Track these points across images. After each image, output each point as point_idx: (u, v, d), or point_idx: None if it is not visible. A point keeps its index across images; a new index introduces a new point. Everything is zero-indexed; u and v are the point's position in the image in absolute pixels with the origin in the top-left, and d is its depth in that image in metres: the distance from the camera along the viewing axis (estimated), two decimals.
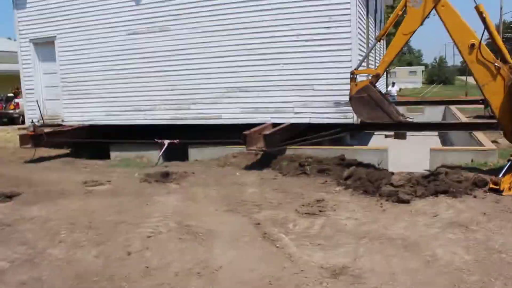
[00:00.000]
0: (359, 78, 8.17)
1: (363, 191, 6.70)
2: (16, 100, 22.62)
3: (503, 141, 9.68)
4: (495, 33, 7.18)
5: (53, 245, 4.92)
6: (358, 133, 11.95)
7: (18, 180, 8.68)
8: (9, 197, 7.39)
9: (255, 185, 7.56)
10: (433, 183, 6.44)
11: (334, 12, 9.40)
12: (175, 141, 10.17)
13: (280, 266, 4.12)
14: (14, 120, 22.59)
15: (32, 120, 12.13)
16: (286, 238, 4.82)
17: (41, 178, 8.95)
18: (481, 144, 9.59)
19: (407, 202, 5.99)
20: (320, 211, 5.81)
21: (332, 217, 5.56)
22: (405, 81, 49.68)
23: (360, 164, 8.38)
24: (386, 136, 14.85)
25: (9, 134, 16.52)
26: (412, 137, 14.66)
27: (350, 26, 9.35)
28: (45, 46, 12.92)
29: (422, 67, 69.62)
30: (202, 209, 6.16)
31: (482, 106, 18.90)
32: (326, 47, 9.58)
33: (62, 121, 12.78)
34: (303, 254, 4.33)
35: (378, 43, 9.94)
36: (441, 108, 20.14)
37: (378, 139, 14.41)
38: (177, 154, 10.91)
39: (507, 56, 7.02)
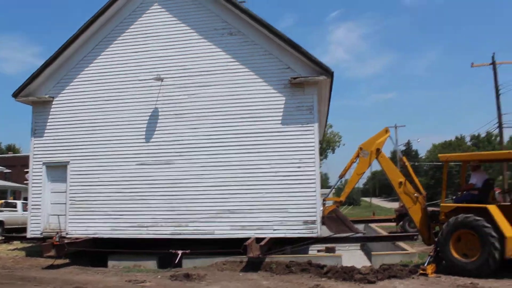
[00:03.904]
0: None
1: (342, 279, 10.11)
2: None
3: (417, 248, 13.91)
4: (413, 175, 11.62)
5: None
6: (299, 247, 14.75)
7: (65, 282, 10.81)
8: None
9: (264, 280, 10.59)
10: (387, 271, 10.11)
11: (303, 156, 13.46)
12: (186, 251, 12.82)
13: None
14: None
15: (57, 233, 14.05)
16: None
17: (82, 279, 11.17)
18: (405, 250, 13.65)
19: (374, 282, 9.51)
20: None
21: None
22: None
23: (325, 266, 11.80)
24: (319, 251, 17.91)
25: None
26: (339, 250, 17.96)
27: (314, 166, 13.42)
28: (56, 169, 15.44)
29: (332, 190, 76.96)
30: None
31: (394, 224, 23.84)
32: (297, 181, 13.41)
33: (66, 234, 14.82)
34: None
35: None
36: (362, 225, 24.74)
37: (313, 252, 17.51)
38: (170, 262, 13.44)
39: (421, 189, 11.42)
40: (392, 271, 10.18)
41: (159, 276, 11.55)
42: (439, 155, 11.39)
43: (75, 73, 15.64)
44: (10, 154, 64.58)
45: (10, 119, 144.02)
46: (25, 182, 45.97)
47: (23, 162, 52.59)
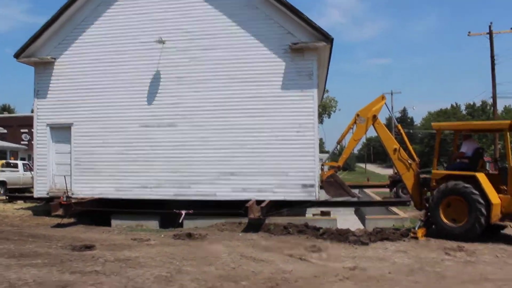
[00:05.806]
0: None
1: (337, 240, 10.68)
2: None
3: (409, 213, 14.53)
4: (407, 142, 12.04)
5: (181, 267, 8.04)
6: (294, 210, 15.35)
7: (73, 239, 11.29)
8: (89, 247, 10.15)
9: (263, 240, 11.15)
10: (379, 234, 10.69)
11: (303, 121, 13.83)
12: (190, 211, 13.36)
13: (322, 269, 7.84)
14: None
15: (64, 193, 14.50)
16: (313, 259, 8.56)
17: (89, 237, 11.68)
18: (397, 214, 14.27)
19: (367, 244, 10.08)
20: (319, 249, 9.62)
21: (329, 251, 9.40)
22: None
23: (321, 228, 12.37)
24: (314, 214, 18.61)
25: None
26: (333, 214, 18.62)
27: (313, 131, 13.81)
28: (60, 130, 15.73)
29: (327, 155, 78.05)
30: (246, 250, 9.61)
31: (387, 189, 24.56)
32: (296, 145, 13.85)
33: (72, 194, 15.27)
34: (329, 263, 8.11)
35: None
36: (357, 190, 25.44)
37: (308, 215, 18.14)
38: (171, 222, 13.99)
39: (415, 156, 11.87)
40: (385, 234, 10.76)
41: (162, 235, 12.08)
42: (432, 123, 11.79)
43: (77, 34, 15.67)
44: (6, 115, 64.40)
45: (4, 78, 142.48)
46: (22, 142, 46.25)
47: (20, 122, 52.70)
